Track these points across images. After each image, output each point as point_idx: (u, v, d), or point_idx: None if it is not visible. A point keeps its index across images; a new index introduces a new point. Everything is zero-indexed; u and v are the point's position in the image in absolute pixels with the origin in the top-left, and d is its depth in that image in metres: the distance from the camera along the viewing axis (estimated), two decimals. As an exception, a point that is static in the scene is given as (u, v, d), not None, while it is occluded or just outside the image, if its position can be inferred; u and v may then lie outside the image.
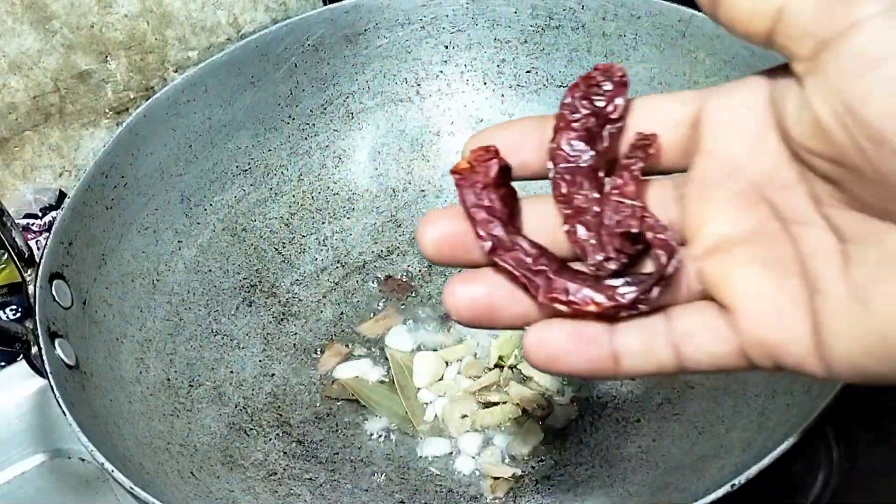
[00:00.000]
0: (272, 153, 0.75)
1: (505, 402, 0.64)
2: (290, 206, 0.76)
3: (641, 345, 0.34)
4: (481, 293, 0.35)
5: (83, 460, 0.69)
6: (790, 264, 0.33)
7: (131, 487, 0.49)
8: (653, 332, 0.34)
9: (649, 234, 0.34)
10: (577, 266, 0.36)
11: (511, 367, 0.65)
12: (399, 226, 0.76)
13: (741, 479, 0.45)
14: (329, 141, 0.77)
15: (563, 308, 0.34)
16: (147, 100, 0.70)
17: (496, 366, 0.66)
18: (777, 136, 0.33)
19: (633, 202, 0.35)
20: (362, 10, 0.75)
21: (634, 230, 0.34)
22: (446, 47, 0.77)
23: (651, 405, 0.63)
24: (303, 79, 0.75)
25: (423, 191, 0.77)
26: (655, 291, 0.34)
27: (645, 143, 0.36)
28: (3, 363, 0.73)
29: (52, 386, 0.53)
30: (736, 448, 0.57)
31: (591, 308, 0.34)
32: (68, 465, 0.70)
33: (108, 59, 0.78)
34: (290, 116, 0.76)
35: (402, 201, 0.77)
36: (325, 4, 0.80)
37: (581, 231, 0.36)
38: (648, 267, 0.35)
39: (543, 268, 0.35)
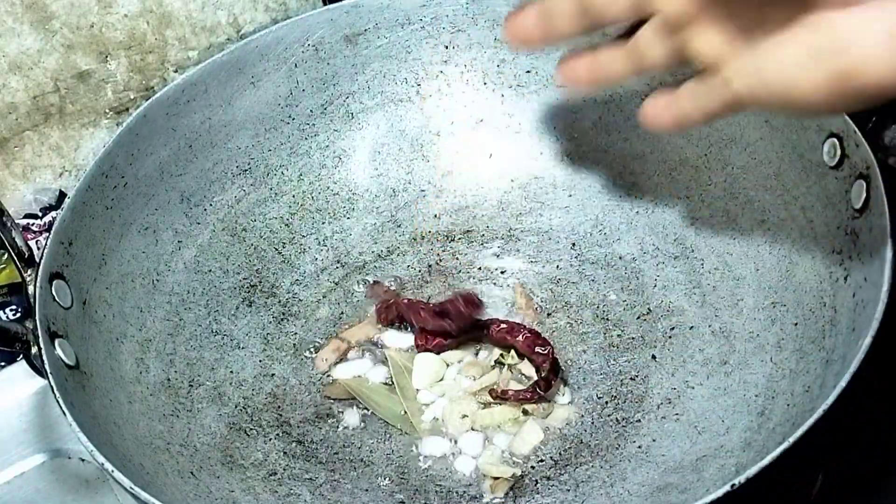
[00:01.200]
0: (272, 153, 0.75)
1: (505, 402, 0.64)
2: (289, 207, 0.76)
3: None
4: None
5: (83, 460, 0.69)
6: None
7: (131, 487, 0.49)
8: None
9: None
10: None
11: (510, 367, 0.65)
12: (399, 226, 0.76)
13: (741, 479, 0.45)
14: (329, 141, 0.77)
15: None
16: (147, 100, 0.70)
17: (497, 363, 0.66)
18: None
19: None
20: (362, 10, 0.75)
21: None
22: (446, 47, 0.77)
23: (651, 405, 0.63)
24: (303, 79, 0.75)
25: (423, 191, 0.77)
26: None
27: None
28: (3, 363, 0.73)
29: (52, 386, 0.53)
30: (736, 448, 0.57)
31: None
32: (68, 465, 0.70)
33: (108, 59, 0.78)
34: (289, 116, 0.76)
35: (402, 201, 0.77)
36: (325, 4, 0.80)
37: None
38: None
39: None
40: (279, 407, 0.66)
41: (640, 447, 0.61)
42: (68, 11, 0.74)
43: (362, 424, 0.65)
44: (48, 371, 0.54)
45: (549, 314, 0.69)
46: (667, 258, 0.70)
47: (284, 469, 0.62)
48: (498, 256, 0.74)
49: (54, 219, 0.64)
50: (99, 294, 0.63)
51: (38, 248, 0.74)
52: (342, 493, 0.61)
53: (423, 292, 0.72)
